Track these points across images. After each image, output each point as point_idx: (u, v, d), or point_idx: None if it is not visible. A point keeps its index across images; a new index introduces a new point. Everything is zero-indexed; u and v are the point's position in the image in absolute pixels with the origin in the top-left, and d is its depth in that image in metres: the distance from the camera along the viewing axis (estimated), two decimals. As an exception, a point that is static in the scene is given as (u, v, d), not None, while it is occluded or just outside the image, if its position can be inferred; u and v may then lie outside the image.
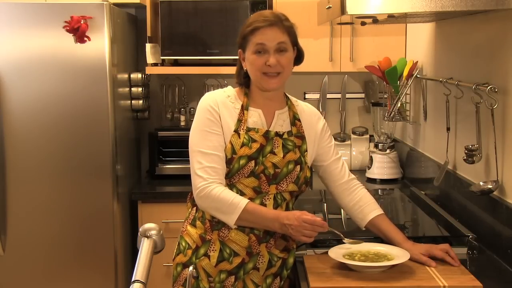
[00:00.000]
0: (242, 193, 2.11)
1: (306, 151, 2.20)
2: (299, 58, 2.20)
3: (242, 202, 2.05)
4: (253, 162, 2.10)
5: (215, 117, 2.12)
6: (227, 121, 2.13)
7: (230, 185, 2.12)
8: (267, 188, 2.12)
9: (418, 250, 2.10)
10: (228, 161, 2.09)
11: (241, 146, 2.10)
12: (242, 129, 2.12)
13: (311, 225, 1.99)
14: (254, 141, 2.12)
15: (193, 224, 2.19)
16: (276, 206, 2.14)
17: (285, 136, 2.17)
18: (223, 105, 2.15)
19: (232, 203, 2.05)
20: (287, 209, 2.17)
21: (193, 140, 2.13)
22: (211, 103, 2.14)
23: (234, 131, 2.12)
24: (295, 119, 2.21)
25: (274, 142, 2.14)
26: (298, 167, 2.16)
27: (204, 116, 2.13)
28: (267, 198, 2.13)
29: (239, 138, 2.11)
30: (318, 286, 1.93)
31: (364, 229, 2.25)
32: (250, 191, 2.11)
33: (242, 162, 2.09)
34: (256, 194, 2.12)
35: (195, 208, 2.20)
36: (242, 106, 2.16)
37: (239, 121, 2.13)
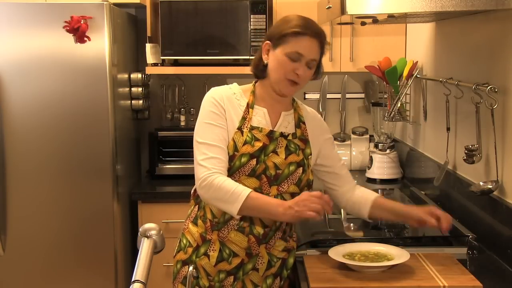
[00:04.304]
0: None
1: (311, 154, 2.19)
2: (316, 73, 2.16)
3: (245, 190, 2.02)
4: (254, 160, 2.09)
5: (220, 111, 2.11)
6: (231, 117, 2.12)
7: None
8: (268, 189, 2.12)
9: (422, 210, 2.15)
10: (230, 158, 2.09)
11: (244, 144, 2.09)
12: (246, 127, 2.11)
13: (318, 198, 1.97)
14: (257, 140, 2.11)
15: (195, 223, 2.19)
16: None
17: (290, 137, 2.16)
18: (229, 100, 2.13)
19: (235, 192, 2.01)
20: None
21: (198, 132, 2.12)
22: (216, 97, 2.13)
23: (238, 128, 2.11)
24: (300, 122, 2.21)
25: (279, 142, 2.13)
26: (300, 169, 2.15)
27: (209, 109, 2.12)
28: None
29: (242, 136, 2.10)
30: (318, 286, 1.93)
31: (369, 219, 2.25)
32: None
33: (243, 159, 2.08)
34: None
35: (197, 206, 2.20)
36: (247, 104, 2.15)
37: (244, 118, 2.12)
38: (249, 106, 2.14)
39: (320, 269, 2.05)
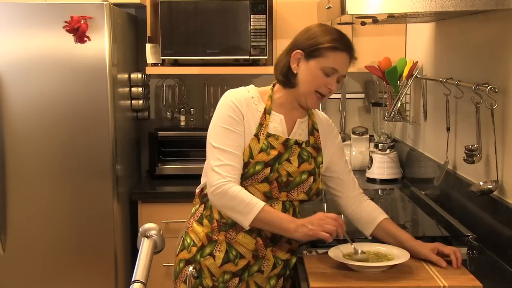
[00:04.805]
0: None
1: (322, 163, 2.18)
2: None
3: (260, 203, 2.01)
4: (268, 168, 2.07)
5: (239, 116, 2.07)
6: (249, 122, 2.09)
7: None
8: (277, 194, 2.11)
9: (428, 247, 2.09)
10: (244, 165, 2.06)
11: (259, 152, 2.07)
12: (263, 134, 2.09)
13: (334, 220, 1.97)
14: (273, 148, 2.09)
15: (200, 222, 2.17)
16: (283, 211, 2.12)
17: (303, 145, 2.15)
18: (247, 105, 2.10)
19: (249, 203, 2.00)
20: (294, 214, 2.16)
21: (213, 136, 2.08)
22: (235, 101, 2.09)
23: (254, 135, 2.08)
24: (313, 129, 2.19)
25: (292, 150, 2.12)
26: (311, 178, 2.14)
27: (227, 113, 2.08)
28: (276, 203, 2.11)
29: (258, 143, 2.08)
30: (318, 286, 1.93)
31: (370, 237, 2.22)
32: (261, 195, 2.09)
33: (258, 167, 2.06)
34: (266, 199, 2.09)
35: (203, 205, 2.18)
36: (265, 109, 2.12)
37: (261, 125, 2.10)
38: (266, 112, 2.11)
39: (320, 269, 2.05)
